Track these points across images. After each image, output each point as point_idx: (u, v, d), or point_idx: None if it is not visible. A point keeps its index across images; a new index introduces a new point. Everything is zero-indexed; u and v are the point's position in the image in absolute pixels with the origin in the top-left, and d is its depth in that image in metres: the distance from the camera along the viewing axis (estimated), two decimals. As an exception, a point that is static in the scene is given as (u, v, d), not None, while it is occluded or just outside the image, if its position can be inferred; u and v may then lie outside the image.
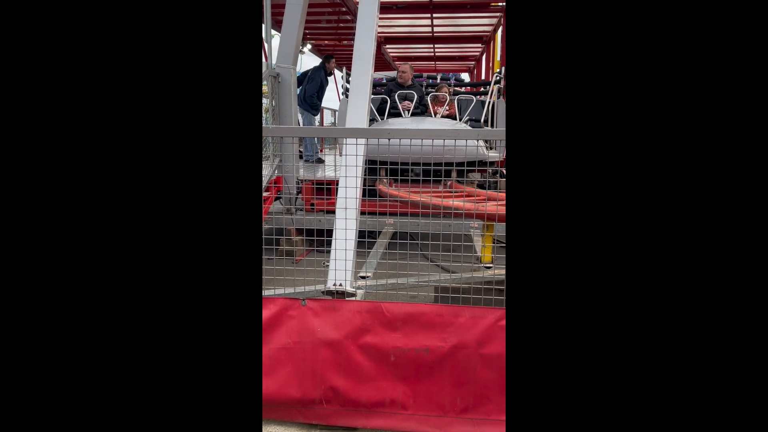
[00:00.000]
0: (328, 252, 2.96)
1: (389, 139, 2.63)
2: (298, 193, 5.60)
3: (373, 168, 4.39)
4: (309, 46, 12.09)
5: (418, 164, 3.35)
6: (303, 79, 7.74)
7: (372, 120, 5.59)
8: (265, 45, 5.48)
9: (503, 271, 3.30)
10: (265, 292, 2.86)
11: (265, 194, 4.56)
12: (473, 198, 3.91)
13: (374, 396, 2.50)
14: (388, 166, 3.55)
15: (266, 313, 2.56)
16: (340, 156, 4.03)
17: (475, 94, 6.84)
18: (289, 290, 2.95)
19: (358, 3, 4.42)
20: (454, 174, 5.06)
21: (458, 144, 3.59)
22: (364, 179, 3.65)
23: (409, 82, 6.43)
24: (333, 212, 3.94)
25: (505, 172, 5.60)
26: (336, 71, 9.96)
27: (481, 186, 5.07)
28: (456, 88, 7.17)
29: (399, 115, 5.93)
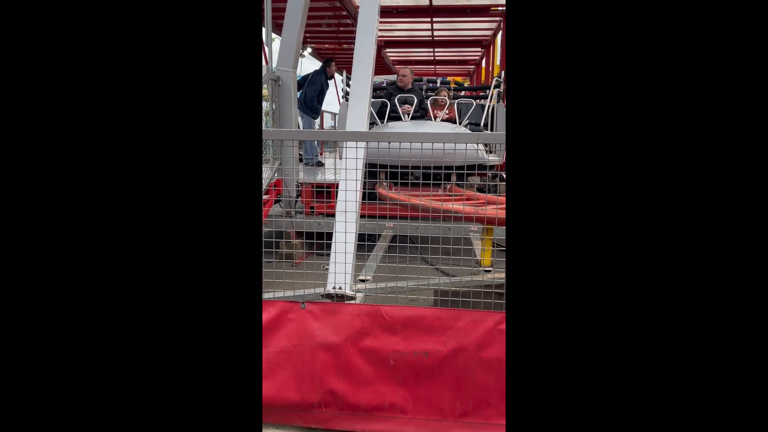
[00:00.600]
0: (328, 255, 2.95)
1: (389, 143, 2.64)
2: (297, 196, 5.60)
3: (372, 171, 4.39)
4: (309, 50, 12.12)
5: (417, 168, 3.35)
6: (303, 82, 7.75)
7: (372, 123, 5.60)
8: (266, 48, 5.49)
9: (503, 275, 3.30)
10: (265, 295, 2.86)
11: (264, 197, 4.56)
12: (473, 201, 3.91)
13: (373, 400, 2.49)
14: (388, 170, 3.55)
15: (266, 316, 2.55)
16: (340, 159, 4.03)
17: (475, 98, 6.85)
18: (289, 293, 2.95)
19: (358, 7, 4.43)
20: (453, 177, 5.07)
21: (458, 147, 3.59)
22: (364, 182, 3.65)
23: (410, 86, 6.44)
24: (333, 215, 3.94)
25: (504, 175, 5.60)
26: (336, 75, 9.98)
27: (480, 189, 5.08)
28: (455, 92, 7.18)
29: (399, 118, 5.94)
